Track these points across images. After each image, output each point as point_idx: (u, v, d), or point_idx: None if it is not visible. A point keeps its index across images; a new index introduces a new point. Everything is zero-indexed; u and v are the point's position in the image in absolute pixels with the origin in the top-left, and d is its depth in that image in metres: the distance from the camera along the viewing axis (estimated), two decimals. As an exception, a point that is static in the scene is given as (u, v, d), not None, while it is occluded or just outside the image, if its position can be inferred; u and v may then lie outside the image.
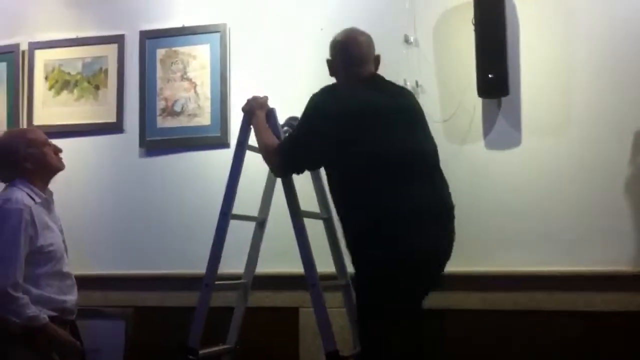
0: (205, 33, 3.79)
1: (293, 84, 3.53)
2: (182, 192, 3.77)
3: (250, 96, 2.99)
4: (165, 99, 3.84)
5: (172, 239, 3.73)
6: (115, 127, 3.92)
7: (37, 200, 2.79)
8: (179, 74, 3.84)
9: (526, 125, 3.32)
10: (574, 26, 3.28)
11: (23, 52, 4.10)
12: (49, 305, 2.71)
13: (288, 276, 3.35)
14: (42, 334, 2.66)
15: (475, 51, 3.25)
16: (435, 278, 2.65)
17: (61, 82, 4.03)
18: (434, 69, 3.43)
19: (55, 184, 2.98)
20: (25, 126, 4.02)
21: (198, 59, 3.80)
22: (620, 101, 3.21)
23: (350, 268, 2.79)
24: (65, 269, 2.84)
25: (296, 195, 2.84)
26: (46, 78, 4.05)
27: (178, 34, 3.84)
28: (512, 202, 3.29)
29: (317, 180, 3.12)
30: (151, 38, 3.89)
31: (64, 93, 4.02)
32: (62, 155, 2.96)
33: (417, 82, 3.41)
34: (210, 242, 2.90)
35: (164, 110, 3.84)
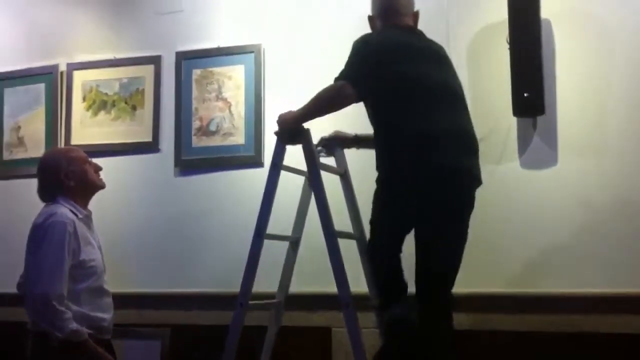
0: (240, 53, 3.83)
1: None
2: (217, 211, 3.79)
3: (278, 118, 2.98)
4: (201, 119, 3.88)
5: (207, 258, 3.76)
6: (151, 147, 3.97)
7: (80, 215, 2.84)
8: (214, 94, 3.88)
9: (562, 145, 3.28)
10: (610, 44, 3.25)
11: (61, 73, 4.18)
12: (86, 322, 2.74)
13: (321, 296, 3.34)
14: (82, 350, 2.68)
15: (510, 70, 3.23)
16: (464, 196, 2.77)
17: (99, 103, 4.09)
18: (468, 87, 3.39)
19: (92, 203, 3.03)
20: (63, 145, 4.09)
21: (233, 79, 3.84)
22: (658, 120, 3.17)
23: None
24: (105, 286, 2.88)
25: (330, 215, 2.83)
26: (84, 98, 4.12)
27: (213, 55, 3.89)
28: (549, 222, 3.25)
29: (348, 190, 3.10)
30: (187, 59, 3.94)
31: (102, 113, 4.08)
32: (100, 173, 3.01)
33: (451, 102, 3.39)
34: (245, 261, 2.90)
35: (199, 129, 3.88)
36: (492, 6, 3.37)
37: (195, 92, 3.91)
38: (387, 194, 2.77)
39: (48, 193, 2.92)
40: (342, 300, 2.72)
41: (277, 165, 2.93)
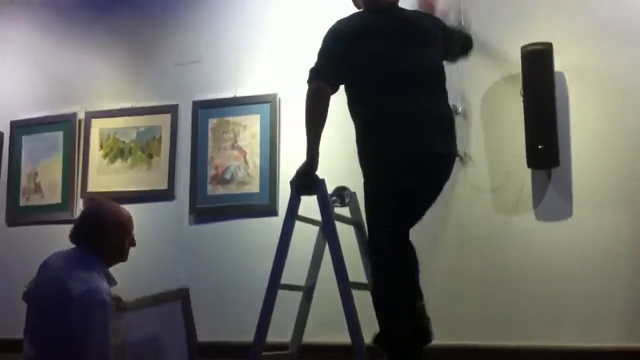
0: (256, 103, 3.88)
1: (342, 154, 3.56)
2: (231, 259, 3.79)
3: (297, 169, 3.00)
4: (216, 167, 3.91)
5: (220, 307, 3.74)
6: (166, 195, 4.00)
7: (110, 288, 2.81)
8: (229, 143, 3.91)
9: (577, 197, 3.28)
10: (623, 97, 3.26)
11: (80, 120, 4.24)
12: None
13: (335, 346, 3.31)
14: None
15: (524, 122, 3.25)
16: (445, 176, 2.80)
17: (116, 150, 4.14)
18: (483, 139, 3.43)
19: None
20: (79, 193, 4.12)
21: (249, 128, 3.88)
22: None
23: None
24: None
25: (344, 265, 2.83)
26: (101, 146, 4.17)
27: (230, 104, 3.94)
28: (563, 274, 3.23)
29: (362, 240, 3.10)
30: (204, 108, 3.99)
31: (118, 161, 4.12)
32: None
33: (465, 152, 3.41)
34: (258, 310, 2.89)
35: (214, 178, 3.90)
36: (507, 58, 3.40)
37: (211, 141, 3.95)
38: (378, 183, 2.76)
39: (86, 245, 2.83)
40: (356, 353, 2.70)
41: (292, 216, 2.94)
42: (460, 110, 3.46)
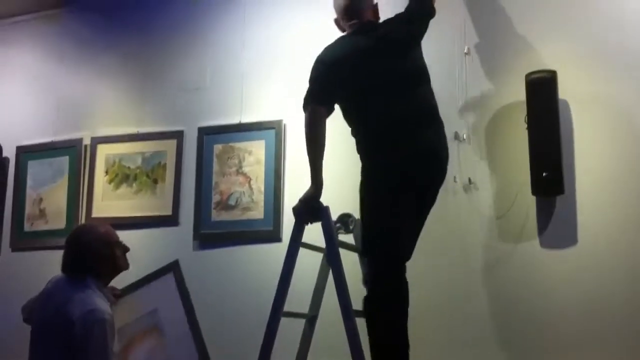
0: (261, 129, 3.89)
1: (346, 180, 3.56)
2: (235, 285, 3.78)
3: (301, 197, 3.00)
4: (221, 193, 3.91)
5: (223, 333, 3.73)
6: (170, 220, 4.00)
7: (109, 305, 2.83)
8: (234, 169, 3.92)
9: (582, 224, 3.26)
10: (627, 125, 3.26)
11: (85, 146, 4.26)
12: None
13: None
14: None
15: (529, 149, 3.25)
16: (435, 174, 2.96)
17: (121, 176, 4.15)
18: (488, 166, 3.43)
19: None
20: (84, 218, 4.13)
21: (253, 154, 3.89)
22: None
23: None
24: None
25: (348, 293, 2.82)
26: (106, 172, 4.18)
27: (235, 130, 3.95)
28: (569, 302, 3.20)
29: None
30: (209, 134, 4.00)
31: (123, 186, 4.13)
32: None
33: (469, 179, 3.41)
34: (261, 337, 2.88)
35: (218, 203, 3.90)
36: (510, 86, 3.42)
37: (216, 167, 3.95)
38: (383, 187, 2.85)
39: (76, 270, 2.88)
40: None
41: (296, 242, 2.93)
42: (464, 136, 3.46)
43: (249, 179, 3.88)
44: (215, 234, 3.89)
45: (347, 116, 3.01)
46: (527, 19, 3.47)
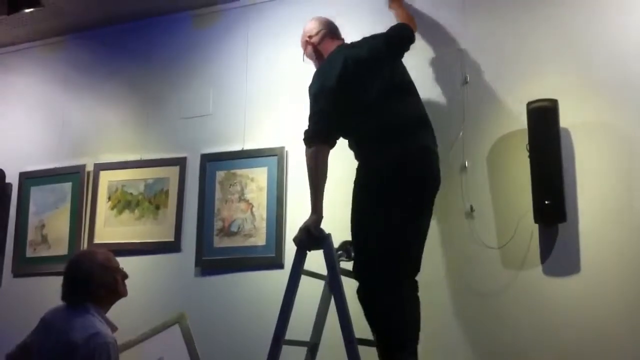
0: (264, 156, 3.90)
1: (347, 207, 3.56)
2: (236, 312, 3.77)
3: (302, 226, 3.02)
4: (223, 220, 3.92)
5: (225, 360, 3.71)
6: (172, 247, 3.99)
7: (112, 332, 2.82)
8: (236, 195, 3.92)
9: (585, 252, 3.25)
10: (629, 153, 3.26)
11: (88, 172, 4.27)
12: None
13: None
14: None
15: (530, 177, 3.25)
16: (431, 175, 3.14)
17: (123, 202, 4.15)
18: (489, 194, 3.43)
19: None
20: (86, 244, 4.13)
21: (256, 181, 3.89)
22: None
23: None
24: None
25: (350, 320, 2.81)
26: (109, 198, 4.18)
27: (237, 157, 3.96)
28: (572, 330, 3.19)
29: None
30: (211, 161, 4.01)
31: (126, 212, 4.14)
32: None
33: (471, 207, 3.41)
34: (263, 365, 2.88)
35: (220, 230, 3.90)
36: (511, 114, 3.43)
37: (218, 193, 3.96)
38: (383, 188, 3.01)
39: (76, 297, 2.88)
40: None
41: (297, 271, 2.93)
42: (466, 165, 3.47)
43: (251, 206, 3.88)
44: (217, 260, 3.88)
45: (346, 126, 3.14)
46: (528, 48, 3.49)
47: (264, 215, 3.83)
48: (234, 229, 3.88)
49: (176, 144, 4.14)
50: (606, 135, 3.30)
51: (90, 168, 4.28)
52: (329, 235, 2.93)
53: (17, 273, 4.34)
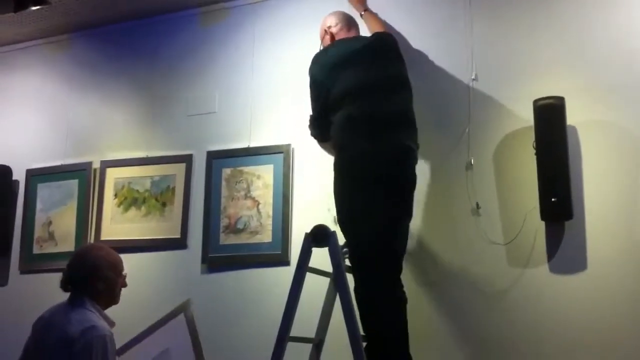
0: (270, 154, 3.90)
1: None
2: (243, 309, 3.77)
3: None
4: (229, 217, 3.92)
5: (230, 358, 3.71)
6: (179, 243, 4.00)
7: (109, 326, 2.83)
8: (242, 193, 3.92)
9: (591, 249, 3.24)
10: (635, 152, 3.25)
11: (95, 170, 4.28)
12: None
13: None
14: None
15: (537, 175, 3.24)
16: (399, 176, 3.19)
17: (130, 199, 4.16)
18: (496, 192, 3.42)
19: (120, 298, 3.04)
20: (93, 241, 4.14)
21: (262, 178, 3.89)
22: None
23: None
24: None
25: (356, 317, 2.82)
26: (115, 195, 4.19)
27: (243, 155, 3.96)
28: (578, 328, 3.18)
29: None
30: (217, 158, 4.01)
31: (132, 209, 4.14)
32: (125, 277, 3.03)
33: (477, 204, 3.40)
34: (268, 363, 2.88)
35: (226, 227, 3.91)
36: (518, 112, 3.42)
37: (224, 191, 3.96)
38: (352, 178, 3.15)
39: (75, 288, 2.89)
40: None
41: (302, 266, 2.94)
42: (472, 162, 3.46)
43: (257, 203, 3.88)
44: (223, 257, 3.89)
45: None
46: (535, 46, 3.48)
47: (270, 213, 3.83)
48: (240, 226, 3.89)
49: (182, 142, 4.15)
50: (613, 133, 3.29)
51: (96, 165, 4.29)
52: (334, 233, 2.94)
53: (24, 270, 4.35)
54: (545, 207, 3.22)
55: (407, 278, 3.30)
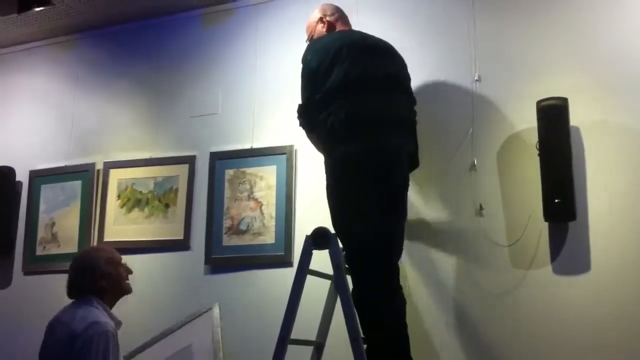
0: (273, 155, 3.90)
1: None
2: (245, 311, 3.77)
3: None
4: (232, 218, 3.91)
5: (232, 358, 3.71)
6: (182, 245, 4.00)
7: (114, 323, 2.85)
8: (245, 194, 3.92)
9: (595, 251, 3.22)
10: (638, 151, 3.23)
11: (98, 171, 4.29)
12: None
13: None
14: None
15: (540, 175, 3.23)
16: (396, 177, 3.10)
17: (133, 200, 4.16)
18: (499, 193, 3.41)
19: (123, 299, 3.06)
20: (96, 242, 4.14)
21: (265, 179, 3.89)
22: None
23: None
24: None
25: (357, 320, 2.81)
26: (119, 196, 4.20)
27: (246, 156, 3.96)
28: (581, 329, 3.16)
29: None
30: (221, 159, 4.01)
31: (135, 210, 4.14)
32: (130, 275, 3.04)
33: (481, 205, 3.39)
34: (270, 365, 2.87)
35: (229, 228, 3.90)
36: (521, 113, 3.41)
37: (227, 192, 3.96)
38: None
39: (80, 291, 2.93)
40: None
41: (303, 268, 2.93)
42: (475, 163, 3.45)
43: (260, 204, 3.88)
44: (226, 258, 3.88)
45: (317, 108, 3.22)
46: (538, 46, 3.47)
47: (273, 214, 3.82)
48: (243, 227, 3.88)
49: (185, 143, 4.15)
50: (616, 133, 3.27)
51: (100, 166, 4.29)
52: (334, 235, 2.93)
53: (27, 271, 4.36)
54: (548, 208, 3.21)
55: (409, 279, 3.29)
